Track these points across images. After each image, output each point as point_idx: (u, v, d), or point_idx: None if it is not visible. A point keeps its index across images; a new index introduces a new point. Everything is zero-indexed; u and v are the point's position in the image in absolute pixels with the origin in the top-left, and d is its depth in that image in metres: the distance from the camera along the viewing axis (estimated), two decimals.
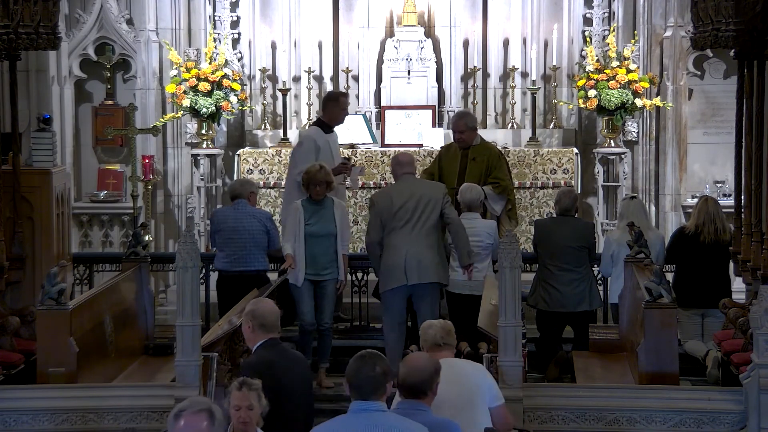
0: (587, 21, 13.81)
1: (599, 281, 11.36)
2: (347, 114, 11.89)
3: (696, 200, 11.48)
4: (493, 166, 11.20)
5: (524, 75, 13.87)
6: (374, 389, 5.46)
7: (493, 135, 13.65)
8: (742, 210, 10.53)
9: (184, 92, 13.21)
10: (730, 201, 11.97)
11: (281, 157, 13.22)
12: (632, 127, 13.57)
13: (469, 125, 11.27)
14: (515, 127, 13.75)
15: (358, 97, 14.00)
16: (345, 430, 5.41)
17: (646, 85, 13.20)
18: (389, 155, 13.08)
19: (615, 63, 13.20)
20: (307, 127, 11.72)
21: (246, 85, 13.84)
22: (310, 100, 13.90)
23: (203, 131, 13.53)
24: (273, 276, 10.91)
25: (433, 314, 9.65)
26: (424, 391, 5.87)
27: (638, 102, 13.15)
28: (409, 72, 13.74)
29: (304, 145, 11.31)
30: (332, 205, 10.29)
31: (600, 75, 13.17)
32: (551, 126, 13.80)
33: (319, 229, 10.18)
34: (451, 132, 11.83)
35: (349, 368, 5.54)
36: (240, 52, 14.00)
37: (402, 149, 12.76)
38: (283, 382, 6.78)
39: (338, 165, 11.25)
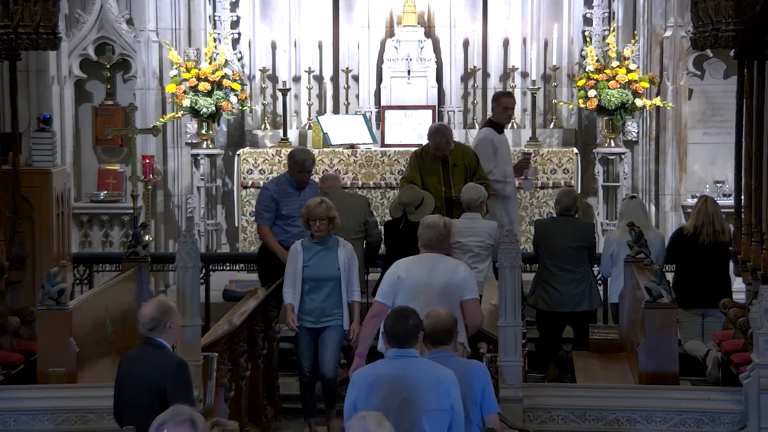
0: (587, 21, 13.81)
1: (599, 281, 11.36)
2: (511, 113, 12.13)
3: (696, 200, 11.48)
4: (473, 167, 11.24)
5: (524, 75, 13.87)
6: (407, 338, 6.33)
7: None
8: (742, 210, 10.52)
9: (184, 92, 13.21)
10: (730, 201, 11.97)
11: (281, 157, 13.21)
12: (632, 127, 13.58)
13: (450, 139, 11.25)
14: (515, 127, 13.75)
15: (358, 97, 14.00)
16: (383, 372, 6.30)
17: (646, 85, 13.21)
18: (389, 155, 13.12)
19: (615, 63, 13.20)
20: (478, 130, 12.02)
21: (246, 85, 13.84)
22: (310, 100, 13.90)
23: (203, 131, 13.53)
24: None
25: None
26: (448, 338, 6.68)
27: (638, 102, 13.15)
28: (409, 72, 13.74)
29: (482, 146, 11.52)
30: (336, 246, 9.30)
31: (600, 75, 13.17)
32: (551, 126, 13.81)
33: (318, 271, 9.24)
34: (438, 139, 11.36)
35: (385, 322, 6.48)
36: (240, 52, 13.99)
37: (402, 149, 12.79)
38: (123, 379, 6.80)
39: (520, 161, 11.83)
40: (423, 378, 6.26)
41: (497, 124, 11.81)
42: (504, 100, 11.89)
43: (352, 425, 5.30)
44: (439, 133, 11.20)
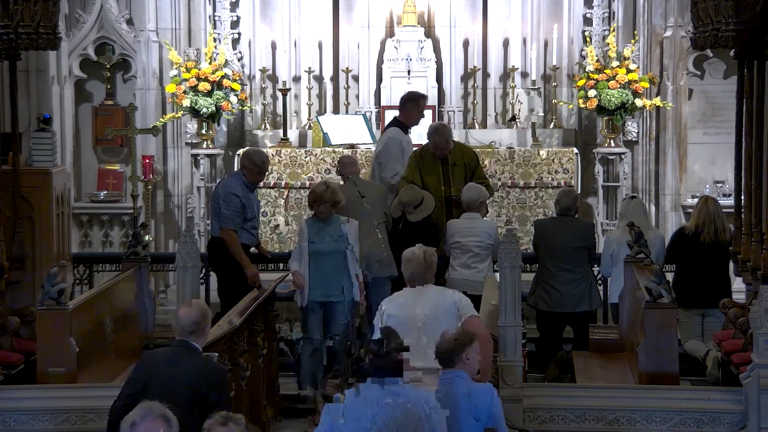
0: (587, 21, 13.81)
1: (599, 281, 11.35)
2: (423, 117, 12.06)
3: (696, 200, 11.47)
4: (473, 167, 11.24)
5: (524, 75, 13.87)
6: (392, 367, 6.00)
7: (497, 135, 13.66)
8: (742, 210, 10.52)
9: (184, 92, 13.21)
10: (730, 201, 11.96)
11: (281, 157, 13.22)
12: (632, 127, 13.57)
13: (448, 138, 11.25)
14: (516, 126, 13.75)
15: (358, 97, 14.00)
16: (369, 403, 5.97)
17: (646, 85, 13.21)
18: None
19: (615, 63, 13.20)
20: (385, 129, 12.04)
21: (246, 85, 13.84)
22: (310, 100, 13.90)
23: (203, 131, 13.53)
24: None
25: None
26: (452, 359, 6.65)
27: (638, 102, 13.15)
28: (409, 72, 13.74)
29: (391, 146, 11.54)
30: (339, 222, 9.96)
31: (600, 75, 13.16)
32: (551, 126, 13.81)
33: (323, 246, 9.90)
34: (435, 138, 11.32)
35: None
36: (240, 52, 14.00)
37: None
38: (155, 378, 6.75)
39: None
40: (405, 412, 6.00)
41: (404, 124, 11.69)
42: (423, 103, 11.81)
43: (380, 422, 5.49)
44: (438, 132, 11.21)
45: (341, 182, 11.05)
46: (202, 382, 6.64)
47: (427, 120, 12.48)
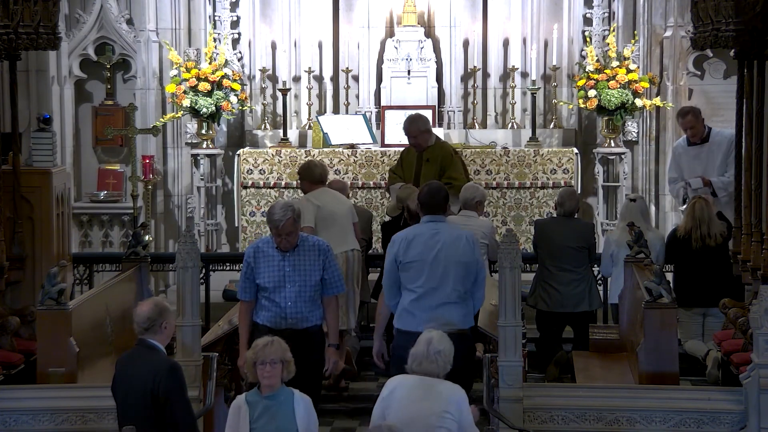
0: (587, 21, 13.82)
1: (599, 281, 11.35)
2: (690, 132, 12.07)
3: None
4: (446, 166, 11.25)
5: (524, 75, 13.87)
6: (438, 207, 8.01)
7: (494, 135, 13.67)
8: (742, 210, 10.51)
9: (184, 92, 13.22)
10: None
11: (281, 157, 13.22)
12: (632, 127, 13.58)
13: (422, 128, 11.28)
14: (515, 127, 13.76)
15: (358, 97, 14.01)
16: (419, 231, 7.94)
17: (646, 85, 13.21)
18: (389, 155, 13.11)
19: (615, 63, 13.21)
20: None
21: (246, 85, 13.85)
22: (310, 100, 13.90)
23: (203, 131, 13.54)
24: None
25: None
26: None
27: (638, 102, 13.15)
28: (409, 72, 13.74)
29: (673, 153, 12.19)
30: (292, 399, 6.81)
31: (600, 75, 13.17)
32: (551, 126, 13.81)
33: None
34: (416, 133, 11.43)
35: (420, 196, 8.11)
36: (240, 52, 14.00)
37: (401, 149, 12.78)
38: (121, 379, 6.84)
39: None
40: (453, 236, 7.89)
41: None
42: (679, 121, 12.17)
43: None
44: (409, 121, 11.39)
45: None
46: (151, 379, 6.59)
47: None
